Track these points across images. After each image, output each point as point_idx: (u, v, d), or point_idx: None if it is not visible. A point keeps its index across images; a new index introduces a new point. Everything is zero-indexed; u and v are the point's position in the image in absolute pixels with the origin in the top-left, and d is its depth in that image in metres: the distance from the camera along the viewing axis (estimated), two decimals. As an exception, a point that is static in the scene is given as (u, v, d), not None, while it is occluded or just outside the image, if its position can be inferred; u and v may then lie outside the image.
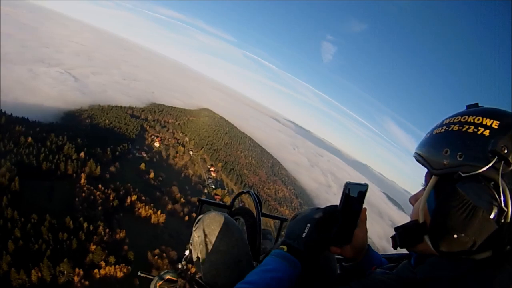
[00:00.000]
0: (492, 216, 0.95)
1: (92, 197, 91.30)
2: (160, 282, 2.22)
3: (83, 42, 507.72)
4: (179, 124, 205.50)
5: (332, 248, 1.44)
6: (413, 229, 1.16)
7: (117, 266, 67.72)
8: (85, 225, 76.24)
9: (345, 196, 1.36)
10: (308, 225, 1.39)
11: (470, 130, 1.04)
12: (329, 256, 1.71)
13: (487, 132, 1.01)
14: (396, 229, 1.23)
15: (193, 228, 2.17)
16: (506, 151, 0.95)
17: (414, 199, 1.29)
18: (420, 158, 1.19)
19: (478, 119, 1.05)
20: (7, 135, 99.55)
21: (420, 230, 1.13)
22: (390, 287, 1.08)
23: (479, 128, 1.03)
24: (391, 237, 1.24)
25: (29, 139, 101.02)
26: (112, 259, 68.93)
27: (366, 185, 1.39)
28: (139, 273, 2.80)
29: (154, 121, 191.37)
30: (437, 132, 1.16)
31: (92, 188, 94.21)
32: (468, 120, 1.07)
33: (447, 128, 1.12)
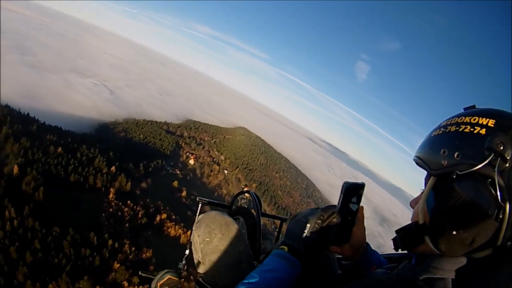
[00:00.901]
0: (490, 212, 1.00)
1: (119, 213, 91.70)
2: (161, 282, 2.30)
3: (119, 55, 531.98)
4: (215, 142, 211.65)
5: (332, 247, 1.53)
6: (414, 230, 1.22)
7: (140, 287, 66.67)
8: (110, 242, 75.78)
9: (343, 195, 1.43)
10: (308, 225, 1.46)
11: (466, 130, 1.11)
12: (329, 256, 1.78)
13: (483, 131, 1.07)
14: (397, 231, 1.29)
15: (193, 228, 2.24)
16: (502, 148, 1.01)
17: (414, 202, 1.35)
18: (420, 161, 1.26)
19: (475, 119, 1.11)
20: (37, 143, 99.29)
21: (421, 231, 1.19)
22: (391, 287, 1.15)
23: (476, 127, 1.09)
24: (392, 239, 1.30)
25: (59, 149, 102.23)
26: (136, 279, 67.92)
27: (363, 184, 1.46)
28: (139, 273, 2.90)
29: (189, 138, 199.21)
30: (435, 134, 1.23)
31: (120, 203, 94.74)
32: (465, 121, 1.14)
33: (444, 130, 1.19)
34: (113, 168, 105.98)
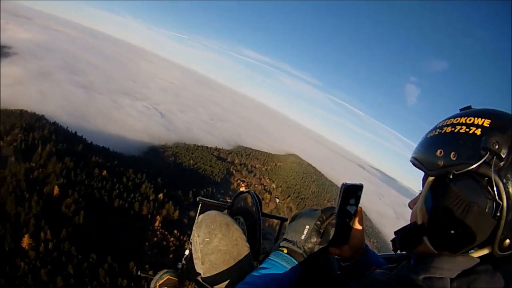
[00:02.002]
0: (487, 211, 1.08)
1: (164, 242, 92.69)
2: (160, 282, 2.40)
3: (171, 79, 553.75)
4: (266, 169, 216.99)
5: (331, 249, 1.60)
6: (412, 230, 1.30)
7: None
8: (151, 273, 62.43)
9: (342, 196, 1.51)
10: (307, 226, 1.52)
11: (462, 131, 1.19)
12: (328, 257, 1.83)
13: (478, 131, 1.15)
14: (396, 232, 1.36)
15: (194, 228, 2.34)
16: (497, 147, 1.08)
17: (412, 203, 1.42)
18: (416, 162, 1.34)
19: (470, 120, 1.20)
20: (81, 164, 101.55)
21: (419, 231, 1.27)
22: (390, 286, 1.22)
23: (471, 127, 1.17)
24: (391, 241, 1.37)
25: (104, 172, 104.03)
26: (173, 312, 60.22)
27: (361, 185, 1.54)
28: (139, 273, 3.07)
29: (240, 165, 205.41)
30: (431, 135, 1.32)
31: (166, 232, 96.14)
32: (460, 121, 1.23)
33: (440, 131, 1.28)
34: (160, 195, 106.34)
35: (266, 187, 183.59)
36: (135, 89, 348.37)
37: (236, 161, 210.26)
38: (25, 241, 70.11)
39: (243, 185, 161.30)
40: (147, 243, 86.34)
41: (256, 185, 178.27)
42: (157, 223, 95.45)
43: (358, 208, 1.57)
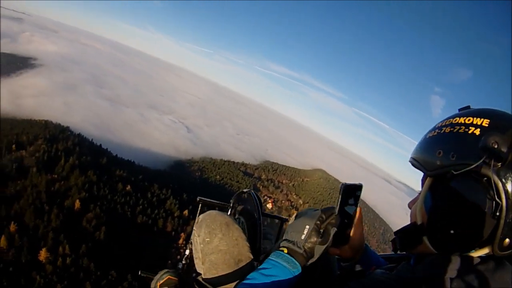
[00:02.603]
0: (487, 210, 1.10)
1: (188, 260, 77.42)
2: (161, 282, 2.43)
3: (198, 94, 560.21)
4: (293, 185, 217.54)
5: (331, 249, 1.63)
6: (412, 231, 1.35)
7: None
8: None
9: (341, 196, 1.55)
10: (307, 226, 1.55)
11: (461, 131, 1.22)
12: (328, 257, 1.88)
13: (477, 131, 1.18)
14: (396, 233, 1.41)
15: (194, 228, 2.42)
16: (496, 146, 1.11)
17: (412, 203, 1.47)
18: (415, 162, 1.38)
19: (469, 120, 1.23)
20: (105, 178, 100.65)
21: (419, 231, 1.31)
22: (390, 286, 1.23)
23: (470, 127, 1.20)
24: (391, 241, 1.41)
25: (128, 187, 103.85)
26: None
27: (360, 185, 1.58)
28: (139, 273, 3.11)
29: (267, 180, 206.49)
30: (430, 135, 1.36)
31: None
32: (459, 121, 1.26)
33: (439, 131, 1.32)
34: (185, 211, 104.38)
35: (293, 203, 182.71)
36: (161, 102, 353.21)
37: (263, 176, 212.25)
38: (43, 255, 69.28)
39: (270, 201, 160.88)
40: (170, 261, 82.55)
41: (283, 201, 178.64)
42: (181, 240, 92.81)
43: (358, 208, 1.62)
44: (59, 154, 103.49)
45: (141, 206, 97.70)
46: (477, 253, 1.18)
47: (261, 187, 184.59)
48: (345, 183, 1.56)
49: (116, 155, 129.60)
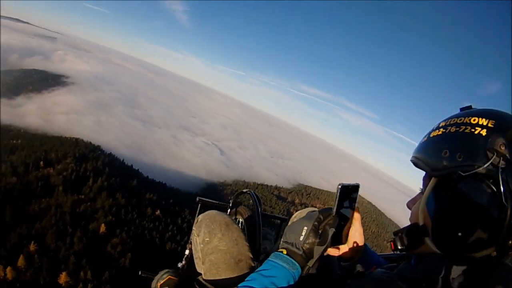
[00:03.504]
0: (493, 212, 1.12)
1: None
2: (161, 282, 2.52)
3: (230, 116, 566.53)
4: None
5: (330, 249, 1.68)
6: (414, 231, 1.36)
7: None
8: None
9: (338, 197, 1.57)
10: (305, 228, 1.58)
11: (467, 131, 1.23)
12: (328, 257, 1.90)
13: (484, 132, 1.19)
14: (395, 233, 1.41)
15: (193, 228, 2.52)
16: (503, 148, 1.13)
17: (412, 203, 1.49)
18: (419, 162, 1.39)
19: (474, 120, 1.24)
20: (134, 202, 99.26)
21: (421, 232, 1.33)
22: (390, 286, 1.26)
23: (476, 128, 1.22)
24: (391, 241, 1.42)
25: (158, 212, 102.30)
26: None
27: (357, 185, 1.62)
28: (139, 273, 3.23)
29: (301, 205, 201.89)
30: (435, 135, 1.36)
31: None
32: (465, 121, 1.27)
33: (444, 131, 1.32)
34: None
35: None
36: (194, 124, 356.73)
37: (297, 200, 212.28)
38: (62, 278, 67.82)
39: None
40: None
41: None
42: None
43: (356, 209, 1.66)
44: (88, 174, 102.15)
45: (170, 233, 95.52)
46: (480, 254, 1.19)
47: (294, 211, 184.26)
48: (342, 184, 1.58)
49: (147, 176, 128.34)
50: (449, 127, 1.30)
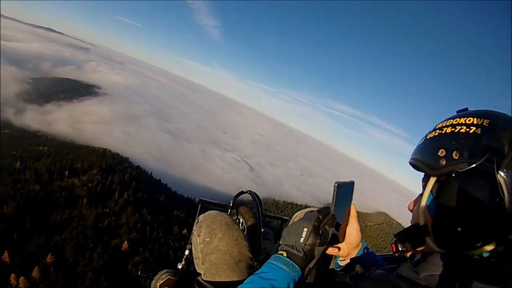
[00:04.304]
0: (492, 207, 1.17)
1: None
2: (161, 282, 2.56)
3: (261, 132, 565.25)
4: None
5: (330, 249, 1.72)
6: (414, 232, 1.40)
7: None
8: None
9: (335, 195, 1.59)
10: (305, 229, 1.59)
11: (462, 130, 1.30)
12: (328, 257, 1.95)
13: (479, 130, 1.25)
14: (396, 235, 1.44)
15: (194, 228, 2.56)
16: (498, 144, 1.19)
17: (412, 205, 1.53)
18: (417, 163, 1.43)
19: (469, 120, 1.31)
20: (160, 218, 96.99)
21: (421, 232, 1.37)
22: (391, 285, 1.28)
23: (471, 127, 1.28)
24: (392, 243, 1.44)
25: (185, 230, 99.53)
26: None
27: (352, 182, 1.65)
28: (139, 273, 3.30)
29: None
30: (431, 136, 1.42)
31: None
32: (460, 122, 1.33)
33: (440, 131, 1.38)
34: None
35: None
36: (224, 140, 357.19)
37: None
38: None
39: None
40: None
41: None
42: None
43: (352, 205, 1.69)
44: (114, 187, 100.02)
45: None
46: (481, 250, 1.22)
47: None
48: (338, 182, 1.59)
49: (175, 191, 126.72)
50: (445, 128, 1.37)
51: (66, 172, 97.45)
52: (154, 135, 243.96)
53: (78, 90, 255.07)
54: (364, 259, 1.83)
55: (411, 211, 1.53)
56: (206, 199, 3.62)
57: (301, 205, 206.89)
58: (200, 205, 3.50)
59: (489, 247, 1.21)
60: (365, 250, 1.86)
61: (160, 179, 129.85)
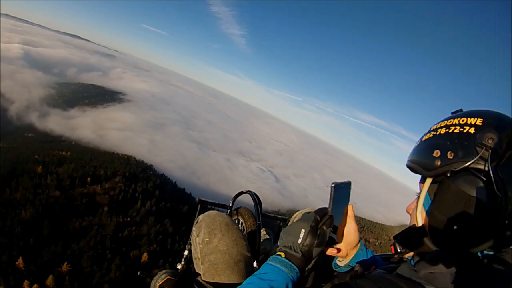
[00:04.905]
0: (487, 204, 1.19)
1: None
2: (160, 282, 2.58)
3: (287, 142, 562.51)
4: (380, 244, 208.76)
5: (328, 249, 1.74)
6: (413, 233, 1.42)
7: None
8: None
9: (332, 195, 1.61)
10: (303, 230, 1.60)
11: (456, 131, 1.33)
12: (326, 257, 1.94)
13: (472, 130, 1.29)
14: (395, 237, 1.46)
15: (193, 228, 2.58)
16: (491, 142, 1.21)
17: (410, 207, 1.54)
18: (413, 165, 1.45)
19: (463, 120, 1.34)
20: (182, 230, 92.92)
21: (419, 233, 1.39)
22: (391, 284, 1.29)
23: (465, 127, 1.31)
24: (391, 245, 1.46)
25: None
26: None
27: (349, 182, 1.68)
28: (138, 273, 3.30)
29: None
30: (426, 138, 1.45)
31: None
32: (454, 122, 1.37)
33: (434, 133, 1.42)
34: None
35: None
36: (250, 149, 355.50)
37: None
38: None
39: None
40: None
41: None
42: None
43: (349, 205, 1.73)
44: (136, 195, 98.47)
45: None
46: (479, 248, 1.24)
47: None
48: (335, 182, 1.62)
49: None
50: (439, 129, 1.40)
51: (88, 178, 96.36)
52: (179, 144, 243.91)
53: (103, 96, 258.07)
54: (362, 258, 1.85)
55: (409, 214, 1.54)
56: (206, 200, 3.61)
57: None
58: (199, 205, 3.47)
59: (487, 245, 1.23)
60: (364, 250, 1.88)
61: (184, 188, 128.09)
